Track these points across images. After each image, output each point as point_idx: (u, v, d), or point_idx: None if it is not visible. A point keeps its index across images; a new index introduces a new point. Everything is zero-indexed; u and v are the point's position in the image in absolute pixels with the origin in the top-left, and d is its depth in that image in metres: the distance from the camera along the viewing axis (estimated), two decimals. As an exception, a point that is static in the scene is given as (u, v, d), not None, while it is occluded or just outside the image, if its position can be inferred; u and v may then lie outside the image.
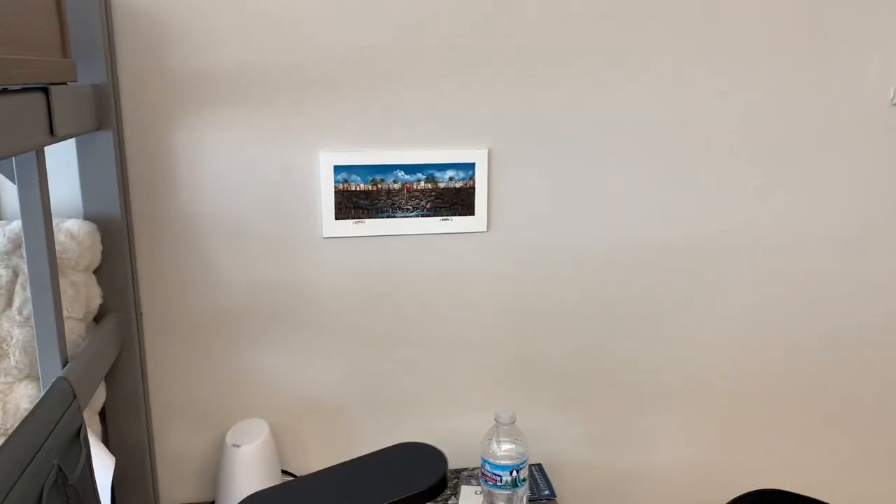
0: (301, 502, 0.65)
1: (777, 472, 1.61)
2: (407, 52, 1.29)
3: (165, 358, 1.34)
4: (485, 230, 1.38)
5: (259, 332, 1.36)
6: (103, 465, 1.08)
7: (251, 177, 1.30)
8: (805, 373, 1.56)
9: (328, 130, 1.30)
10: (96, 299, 1.16)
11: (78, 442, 0.90)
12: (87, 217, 1.19)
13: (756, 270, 1.49)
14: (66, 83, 0.98)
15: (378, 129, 1.32)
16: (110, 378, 1.25)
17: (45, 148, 1.22)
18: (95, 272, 1.20)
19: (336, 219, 1.33)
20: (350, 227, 1.34)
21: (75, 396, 0.94)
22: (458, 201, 1.36)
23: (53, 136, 0.91)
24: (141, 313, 1.31)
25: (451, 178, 1.35)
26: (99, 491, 1.01)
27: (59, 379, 0.92)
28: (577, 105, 1.36)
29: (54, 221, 1.14)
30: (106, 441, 1.28)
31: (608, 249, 1.43)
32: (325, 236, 1.33)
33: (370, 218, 1.34)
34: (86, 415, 1.15)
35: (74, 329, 1.11)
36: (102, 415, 1.26)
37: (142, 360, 1.29)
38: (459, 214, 1.37)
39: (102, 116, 1.15)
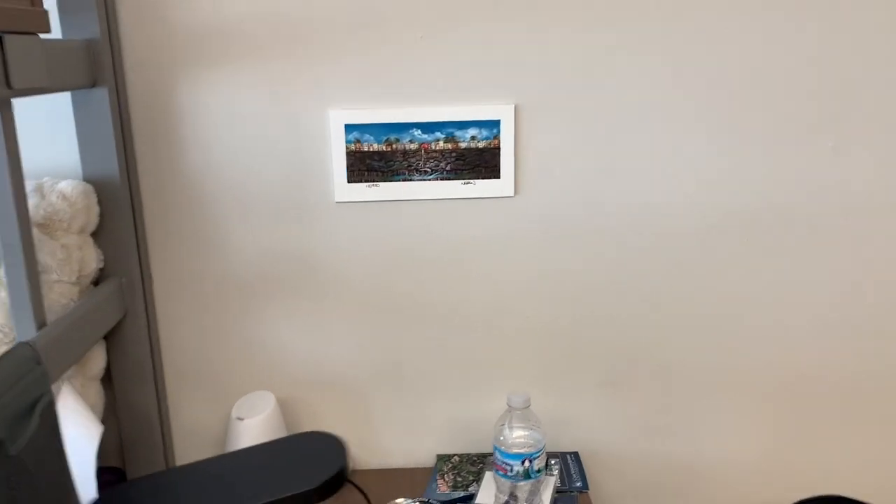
0: (174, 495, 0.57)
1: (841, 477, 1.41)
2: (423, -1, 1.18)
3: (177, 324, 1.30)
4: (511, 195, 1.26)
5: (271, 300, 1.30)
6: (88, 434, 1.04)
7: (259, 136, 1.22)
8: (883, 367, 1.35)
9: (338, 86, 1.21)
10: (92, 262, 1.13)
11: (33, 411, 0.86)
12: (85, 178, 1.15)
13: (828, 245, 1.29)
14: (33, 33, 0.93)
15: (392, 84, 1.21)
16: (113, 343, 1.22)
17: (47, 104, 1.19)
18: (94, 235, 1.17)
19: (348, 182, 1.24)
20: (364, 190, 1.25)
21: (39, 363, 0.90)
22: (481, 163, 1.24)
23: (11, 88, 0.86)
24: (150, 277, 1.27)
25: (473, 138, 1.23)
26: (74, 461, 0.97)
27: (21, 344, 0.88)
28: (618, 54, 1.20)
29: (48, 181, 1.10)
30: (114, 407, 1.25)
31: (652, 217, 1.27)
32: (337, 200, 1.25)
33: (385, 181, 1.24)
34: (77, 381, 1.12)
35: (65, 293, 1.08)
36: (108, 380, 1.24)
37: (150, 325, 1.26)
38: (483, 178, 1.25)
39: (97, 72, 1.10)
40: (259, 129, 1.22)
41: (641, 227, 1.28)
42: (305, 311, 1.30)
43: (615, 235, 1.28)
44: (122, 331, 1.21)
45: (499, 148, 1.23)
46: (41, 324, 0.97)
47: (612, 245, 1.28)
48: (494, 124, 1.22)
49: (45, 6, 1.09)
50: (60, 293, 1.07)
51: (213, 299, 1.29)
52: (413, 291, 1.30)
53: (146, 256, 1.25)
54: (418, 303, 1.30)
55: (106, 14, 1.12)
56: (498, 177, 1.25)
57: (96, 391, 1.16)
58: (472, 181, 1.25)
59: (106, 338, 1.21)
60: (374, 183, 1.24)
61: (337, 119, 1.22)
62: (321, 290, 1.29)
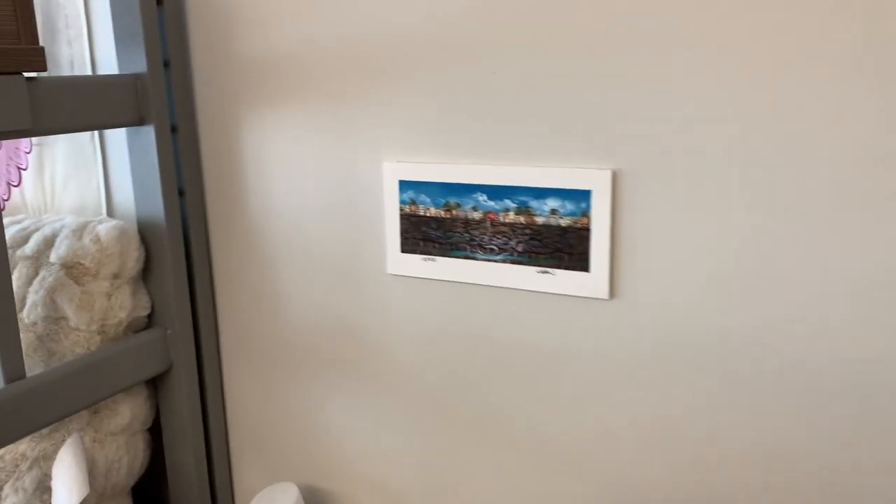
0: None
1: None
2: (499, 23, 0.86)
3: (241, 385, 1.18)
4: (605, 297, 0.87)
5: (321, 374, 1.10)
6: (68, 495, 0.97)
7: (314, 185, 1.04)
8: None
9: (393, 132, 0.96)
10: (122, 310, 1.05)
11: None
12: (139, 220, 1.08)
13: None
14: (16, 73, 0.87)
15: (453, 132, 0.92)
16: (162, 397, 1.14)
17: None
18: (145, 279, 1.10)
19: (402, 251, 0.99)
20: (418, 264, 0.98)
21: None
22: (563, 247, 0.88)
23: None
24: (217, 330, 1.17)
25: (553, 212, 0.88)
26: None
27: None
28: (764, 101, 0.74)
29: (95, 221, 1.06)
30: (161, 465, 1.18)
31: (824, 362, 0.77)
32: (389, 272, 1.00)
33: (443, 255, 0.96)
34: (89, 434, 1.06)
35: (80, 341, 1.02)
36: (157, 436, 1.17)
37: (204, 381, 1.16)
38: (566, 267, 0.88)
39: (144, 109, 1.02)
40: (313, 177, 1.03)
41: (804, 367, 0.78)
42: (353, 392, 1.08)
43: (756, 375, 0.81)
44: (168, 384, 1.13)
45: (588, 229, 0.86)
46: (14, 375, 0.92)
47: (746, 389, 0.81)
48: (583, 196, 0.86)
49: (105, 39, 1.05)
50: (75, 341, 1.02)
51: (273, 363, 1.14)
52: (475, 397, 0.99)
53: (209, 307, 1.15)
54: (481, 413, 0.99)
55: (163, 47, 1.04)
56: (587, 269, 0.87)
57: (121, 446, 1.10)
58: (550, 270, 0.90)
59: (157, 391, 1.15)
60: (431, 256, 0.97)
61: (391, 173, 0.97)
62: (370, 372, 1.06)
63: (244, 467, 1.22)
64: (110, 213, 1.16)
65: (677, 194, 0.81)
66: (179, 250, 1.08)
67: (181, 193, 1.09)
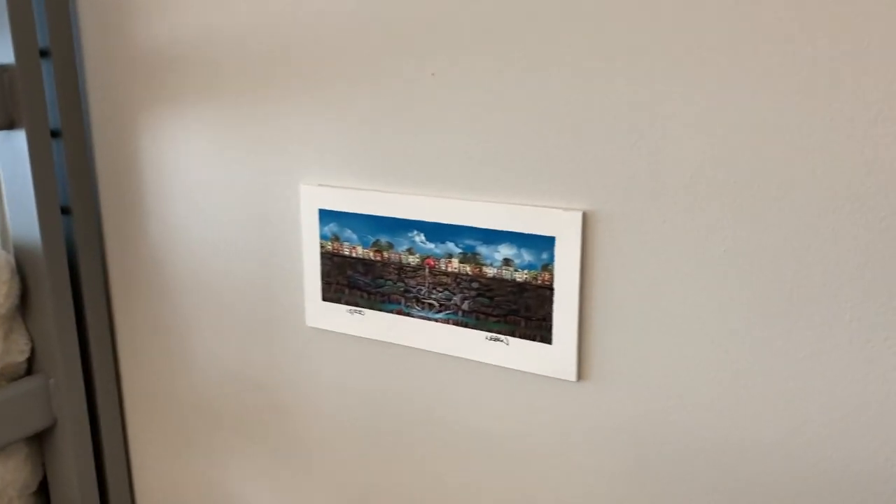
0: None
1: None
2: (443, 10, 0.65)
3: (151, 450, 0.98)
4: (572, 379, 0.65)
5: (236, 442, 0.90)
6: None
7: (220, 209, 0.83)
8: None
9: (312, 149, 0.75)
10: (-17, 357, 0.86)
11: None
12: (15, 244, 0.89)
13: None
14: None
15: (385, 152, 0.71)
16: (47, 458, 0.95)
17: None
18: (25, 317, 0.90)
19: (323, 299, 0.78)
20: (343, 316, 0.77)
21: None
22: (519, 309, 0.67)
23: None
24: (119, 380, 0.97)
25: (507, 263, 0.66)
26: None
27: None
28: (772, 122, 0.52)
29: (-42, 246, 0.87)
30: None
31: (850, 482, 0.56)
32: (309, 325, 0.79)
33: (371, 308, 0.75)
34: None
35: (-73, 395, 0.83)
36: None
37: (98, 444, 0.96)
38: (522, 335, 0.67)
39: (12, 109, 0.82)
40: (223, 199, 0.82)
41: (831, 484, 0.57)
42: (270, 468, 0.88)
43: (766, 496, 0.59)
44: (52, 443, 0.93)
45: (551, 287, 0.65)
46: None
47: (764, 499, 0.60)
48: (545, 244, 0.64)
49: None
50: (-80, 395, 0.82)
51: (184, 425, 0.94)
52: (410, 484, 0.78)
53: (105, 352, 0.95)
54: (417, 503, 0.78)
55: (42, 32, 0.83)
56: (548, 339, 0.66)
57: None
58: (502, 337, 0.68)
59: (42, 451, 0.95)
60: (357, 308, 0.76)
61: (309, 199, 0.76)
62: (289, 445, 0.85)
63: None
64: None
65: (670, 246, 0.59)
66: (63, 281, 0.88)
67: (66, 211, 0.89)
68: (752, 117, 0.54)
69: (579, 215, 0.62)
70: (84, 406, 0.93)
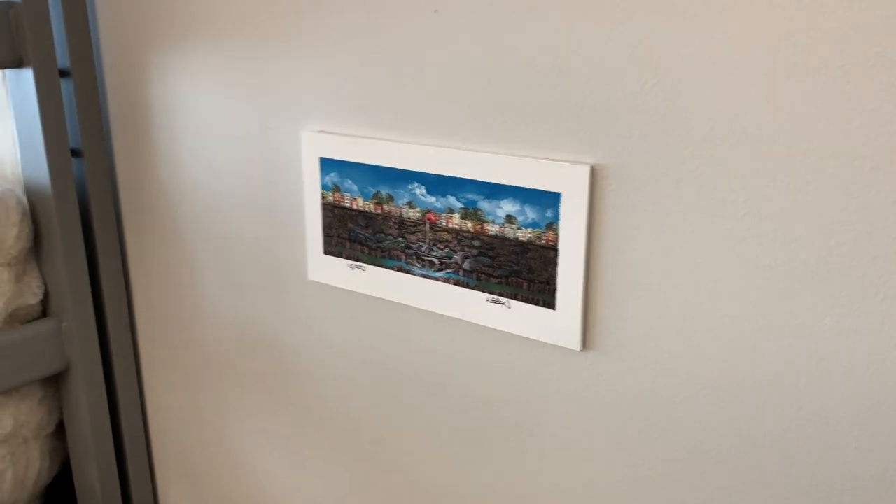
0: None
1: None
2: (448, -66, 0.59)
3: (165, 392, 0.98)
4: (576, 348, 0.60)
5: (245, 395, 0.88)
6: None
7: (225, 155, 0.80)
8: None
9: (314, 93, 0.70)
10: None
11: None
12: (27, 186, 0.88)
13: None
14: None
15: (385, 96, 0.66)
16: (62, 402, 0.95)
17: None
18: (39, 260, 0.90)
19: (325, 252, 0.74)
20: (344, 272, 0.73)
21: None
22: (522, 270, 0.62)
23: None
24: (134, 324, 0.97)
25: (509, 220, 0.61)
26: None
27: None
28: (821, 76, 0.45)
29: (-28, 186, 0.86)
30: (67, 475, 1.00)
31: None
32: (311, 278, 0.76)
33: (373, 263, 0.71)
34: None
35: (-60, 334, 0.83)
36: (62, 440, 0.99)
37: (112, 386, 0.96)
38: (525, 299, 0.62)
39: (21, 47, 0.80)
40: (227, 145, 0.79)
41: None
42: (273, 415, 0.86)
43: (785, 485, 0.53)
44: (67, 385, 0.93)
45: (556, 248, 0.59)
46: None
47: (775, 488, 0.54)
48: (550, 200, 0.58)
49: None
50: (-68, 334, 0.83)
51: (196, 368, 0.93)
52: (406, 437, 0.75)
53: (118, 295, 0.94)
54: (414, 457, 0.75)
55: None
56: (552, 304, 0.61)
57: (3, 457, 0.91)
58: (504, 300, 0.63)
59: (58, 392, 0.96)
60: (358, 263, 0.72)
61: (311, 146, 0.72)
62: (291, 394, 0.83)
63: (171, 487, 1.03)
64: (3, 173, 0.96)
65: (686, 205, 0.53)
66: (74, 224, 0.87)
67: (77, 154, 0.87)
68: (785, 59, 0.47)
69: (587, 169, 0.56)
70: (97, 350, 0.92)
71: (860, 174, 0.46)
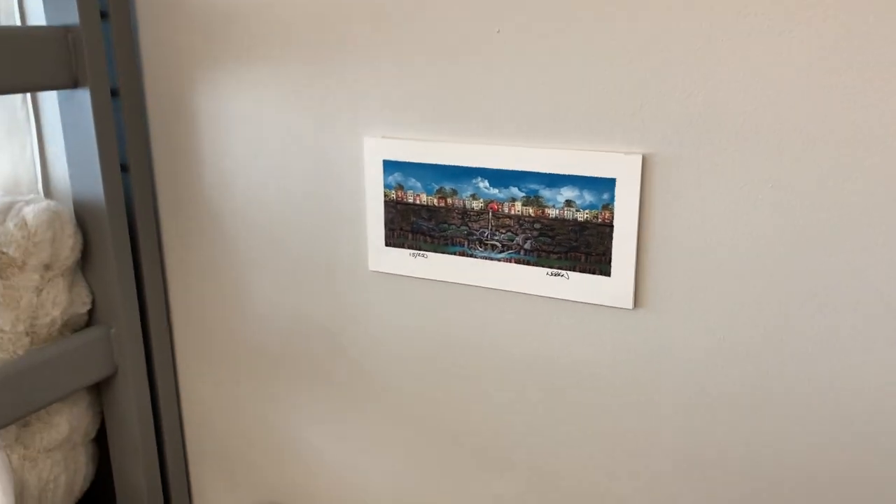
0: None
1: None
2: (508, -33, 0.71)
3: (201, 393, 1.03)
4: (629, 307, 0.73)
5: (297, 385, 0.96)
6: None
7: (281, 162, 0.88)
8: None
9: (377, 103, 0.80)
10: (53, 308, 0.90)
11: None
12: (75, 200, 0.92)
13: None
14: None
15: (450, 105, 0.77)
16: (106, 407, 0.99)
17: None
18: (85, 270, 0.94)
19: (386, 244, 0.84)
20: (406, 260, 0.83)
21: None
22: (580, 246, 0.74)
23: None
24: (171, 329, 1.02)
25: (569, 204, 0.73)
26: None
27: None
28: (866, 72, 0.60)
29: (24, 201, 0.90)
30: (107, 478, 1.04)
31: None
32: (371, 269, 0.85)
33: (435, 251, 0.81)
34: (17, 452, 0.91)
35: (2, 345, 0.86)
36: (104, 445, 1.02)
37: (153, 389, 1.01)
38: (582, 270, 0.74)
39: (78, 69, 0.86)
40: (284, 153, 0.87)
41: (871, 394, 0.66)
42: (327, 406, 0.94)
43: (817, 423, 0.68)
44: (113, 390, 0.98)
45: (611, 225, 0.72)
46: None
47: (818, 421, 0.68)
48: (606, 185, 0.71)
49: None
50: (-4, 345, 0.86)
51: (236, 368, 0.99)
52: (469, 419, 0.85)
53: (159, 302, 0.99)
54: (477, 437, 0.85)
55: (103, -6, 0.87)
56: (607, 272, 0.73)
57: (57, 462, 0.95)
58: (563, 272, 0.75)
59: (101, 396, 1.00)
60: (421, 252, 0.82)
61: (373, 151, 0.81)
62: (347, 384, 0.91)
63: (205, 484, 1.08)
64: (47, 189, 0.99)
65: (726, 187, 0.67)
66: (123, 235, 0.92)
67: (124, 169, 0.93)
68: (795, 66, 0.62)
69: (639, 158, 0.69)
70: (142, 354, 0.97)
71: (862, 160, 0.61)
